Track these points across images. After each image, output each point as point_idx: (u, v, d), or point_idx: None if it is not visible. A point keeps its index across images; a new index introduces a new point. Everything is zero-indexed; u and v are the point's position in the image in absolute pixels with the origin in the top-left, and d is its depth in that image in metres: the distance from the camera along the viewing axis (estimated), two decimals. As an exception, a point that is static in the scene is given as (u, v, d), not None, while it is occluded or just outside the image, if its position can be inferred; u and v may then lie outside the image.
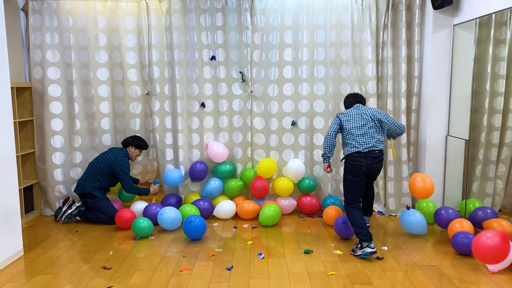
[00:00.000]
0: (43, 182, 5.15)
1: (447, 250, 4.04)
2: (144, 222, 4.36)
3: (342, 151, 4.20)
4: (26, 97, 5.02)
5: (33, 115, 5.06)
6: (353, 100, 4.31)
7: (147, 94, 5.12)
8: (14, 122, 4.56)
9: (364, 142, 4.01)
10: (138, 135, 5.08)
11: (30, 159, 5.07)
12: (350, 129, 4.07)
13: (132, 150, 4.90)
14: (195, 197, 5.14)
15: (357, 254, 3.89)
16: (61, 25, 4.96)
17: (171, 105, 5.17)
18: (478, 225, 4.17)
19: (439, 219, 4.40)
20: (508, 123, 4.56)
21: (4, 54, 3.78)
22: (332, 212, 4.62)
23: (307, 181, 5.09)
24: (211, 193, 5.08)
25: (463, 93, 4.57)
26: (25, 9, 5.01)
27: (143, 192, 4.83)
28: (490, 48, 4.49)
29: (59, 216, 4.86)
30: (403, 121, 4.96)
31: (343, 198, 4.40)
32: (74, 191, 4.90)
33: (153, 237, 4.39)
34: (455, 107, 4.79)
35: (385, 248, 4.07)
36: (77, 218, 4.88)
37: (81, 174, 5.20)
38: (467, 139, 4.50)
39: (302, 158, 5.17)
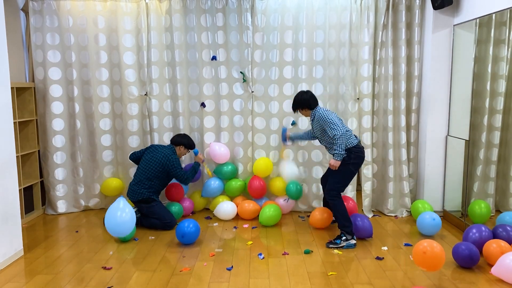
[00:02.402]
0: (46, 181, 5.16)
1: (447, 250, 4.03)
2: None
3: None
4: (26, 97, 5.02)
5: (33, 115, 5.07)
6: (316, 101, 4.23)
7: (145, 94, 5.12)
8: (14, 122, 4.57)
9: (357, 137, 4.19)
10: (186, 134, 4.93)
11: (30, 159, 5.08)
12: (344, 123, 4.17)
13: (182, 150, 4.76)
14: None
15: (341, 245, 3.98)
16: (61, 25, 4.97)
17: (171, 105, 5.17)
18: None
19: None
20: (508, 123, 4.56)
21: (4, 54, 3.78)
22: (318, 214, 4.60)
23: (291, 185, 4.91)
24: (211, 193, 5.08)
25: (463, 93, 4.57)
26: (25, 9, 5.02)
27: (196, 168, 4.79)
28: (490, 48, 4.49)
29: None
30: (403, 121, 4.96)
31: None
32: (130, 197, 4.64)
33: (153, 237, 4.39)
34: (455, 107, 4.79)
35: (385, 248, 4.07)
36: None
37: (82, 174, 5.21)
38: (467, 139, 4.50)
39: (301, 159, 5.16)
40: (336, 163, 4.00)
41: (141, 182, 4.60)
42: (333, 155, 4.00)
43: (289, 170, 4.80)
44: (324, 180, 4.52)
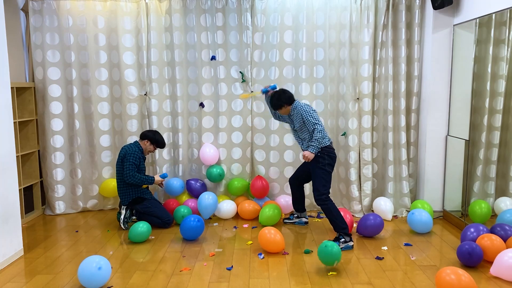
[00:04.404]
0: (45, 181, 5.16)
1: (447, 250, 4.04)
2: (144, 227, 4.22)
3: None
4: (26, 97, 5.02)
5: (33, 115, 5.07)
6: (292, 96, 4.25)
7: (144, 94, 5.12)
8: (14, 122, 4.56)
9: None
10: (157, 131, 4.85)
11: (30, 159, 5.07)
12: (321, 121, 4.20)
13: (147, 144, 4.64)
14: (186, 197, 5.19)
15: (339, 247, 3.92)
16: (61, 25, 4.97)
17: (170, 105, 5.18)
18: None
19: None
20: (508, 123, 4.56)
21: (4, 54, 3.78)
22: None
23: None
24: (205, 211, 4.72)
25: (463, 93, 4.57)
26: (25, 9, 5.02)
27: (146, 180, 4.59)
28: (490, 48, 4.49)
29: (120, 222, 4.60)
30: (403, 121, 4.96)
31: None
32: (122, 202, 4.63)
33: (153, 237, 4.38)
34: (455, 107, 4.79)
35: (385, 248, 4.07)
36: (133, 218, 4.71)
37: (80, 175, 5.20)
38: (467, 139, 4.50)
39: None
40: (310, 155, 4.01)
41: (124, 185, 4.59)
42: (308, 146, 4.02)
43: None
44: (295, 181, 4.57)
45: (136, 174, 4.54)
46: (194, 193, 5.10)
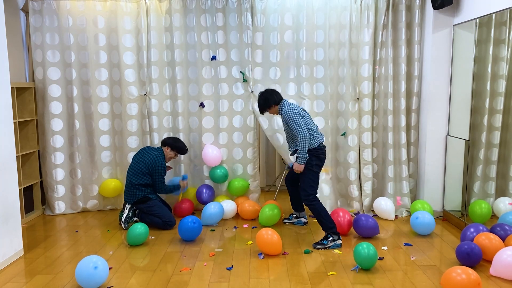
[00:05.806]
0: (44, 181, 5.16)
1: (447, 250, 4.04)
2: (142, 228, 4.17)
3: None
4: (26, 97, 5.02)
5: (33, 115, 5.07)
6: (279, 95, 4.28)
7: (144, 94, 5.12)
8: (14, 122, 4.56)
9: (321, 135, 4.23)
10: (178, 138, 5.00)
11: (30, 159, 5.07)
12: (310, 122, 4.19)
13: (167, 151, 4.75)
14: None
15: (328, 246, 4.02)
16: (61, 25, 4.97)
17: (170, 105, 5.17)
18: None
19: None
20: (508, 123, 4.56)
21: (4, 54, 3.78)
22: None
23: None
24: (210, 219, 4.69)
25: (463, 93, 4.57)
26: (25, 9, 5.02)
27: (174, 189, 4.84)
28: (490, 48, 4.49)
29: (122, 221, 4.62)
30: (403, 121, 4.97)
31: None
32: (126, 200, 4.67)
33: (153, 237, 4.38)
34: (455, 107, 4.79)
35: (385, 248, 4.07)
36: (135, 218, 4.73)
37: (80, 175, 5.20)
38: (467, 139, 4.50)
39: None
40: (299, 167, 4.05)
41: (132, 184, 4.62)
42: (296, 158, 4.07)
43: None
44: (290, 180, 4.59)
45: (167, 186, 4.78)
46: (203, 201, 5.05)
